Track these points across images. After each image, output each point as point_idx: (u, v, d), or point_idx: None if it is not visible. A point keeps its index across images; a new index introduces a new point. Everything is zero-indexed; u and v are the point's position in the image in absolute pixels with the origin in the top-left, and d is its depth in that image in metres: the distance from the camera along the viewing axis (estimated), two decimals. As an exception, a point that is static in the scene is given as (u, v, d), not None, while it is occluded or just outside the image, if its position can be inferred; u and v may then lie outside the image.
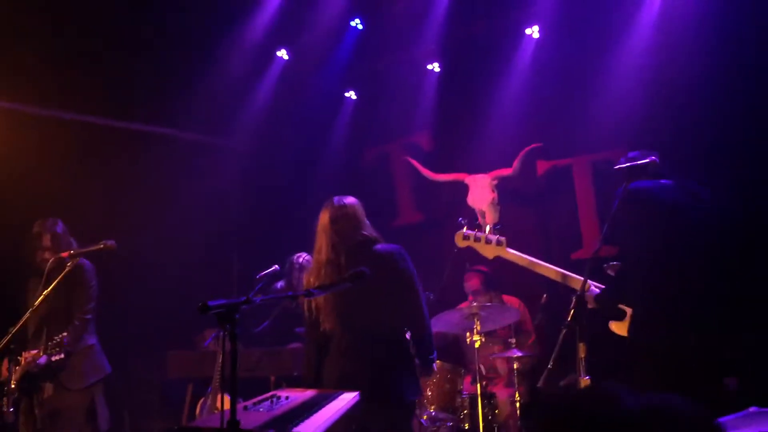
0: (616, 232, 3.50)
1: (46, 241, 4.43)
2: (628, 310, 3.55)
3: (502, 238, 3.85)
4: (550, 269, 3.71)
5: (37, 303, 3.95)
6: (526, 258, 3.79)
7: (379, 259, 3.62)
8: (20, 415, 4.21)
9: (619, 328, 3.58)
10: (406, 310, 3.67)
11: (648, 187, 3.46)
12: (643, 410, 0.99)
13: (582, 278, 3.44)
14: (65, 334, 4.08)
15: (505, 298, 5.77)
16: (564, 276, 3.66)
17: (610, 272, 3.66)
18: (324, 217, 3.82)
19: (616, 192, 3.45)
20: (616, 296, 3.54)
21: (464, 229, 3.90)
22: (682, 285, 3.33)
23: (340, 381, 3.58)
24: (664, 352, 3.28)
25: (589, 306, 3.48)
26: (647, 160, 3.56)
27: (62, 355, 4.06)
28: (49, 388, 4.25)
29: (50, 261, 4.18)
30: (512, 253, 3.82)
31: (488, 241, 3.86)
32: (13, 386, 4.19)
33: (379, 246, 3.74)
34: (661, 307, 3.33)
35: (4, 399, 3.79)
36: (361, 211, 3.87)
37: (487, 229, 3.88)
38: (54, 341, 4.03)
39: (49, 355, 4.05)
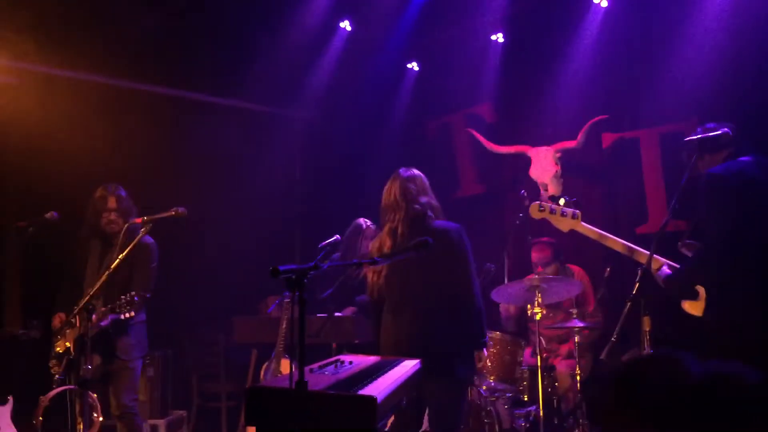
0: (696, 214, 3.45)
1: (112, 203, 4.53)
2: (701, 290, 3.49)
3: (578, 212, 3.88)
4: (618, 243, 3.71)
5: (113, 265, 4.09)
6: (598, 232, 3.82)
7: (437, 234, 3.66)
8: (70, 377, 4.36)
9: (693, 307, 3.52)
10: (457, 286, 3.71)
11: (725, 170, 3.36)
12: (709, 375, 0.99)
13: (647, 252, 3.40)
14: (133, 293, 4.14)
15: (570, 266, 5.73)
16: (632, 250, 3.63)
17: (685, 251, 3.59)
18: (390, 188, 3.89)
19: (687, 164, 3.38)
20: (691, 280, 3.48)
21: (539, 201, 3.94)
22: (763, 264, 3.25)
23: (394, 348, 3.67)
24: (746, 339, 3.21)
25: (661, 285, 3.45)
26: (719, 132, 3.47)
27: (132, 313, 4.14)
28: (96, 357, 4.36)
29: (125, 226, 4.31)
30: (586, 227, 3.84)
31: (564, 214, 3.88)
32: (67, 347, 4.35)
33: (439, 221, 3.78)
34: (745, 292, 3.25)
35: (83, 357, 3.95)
36: (425, 183, 3.91)
37: (562, 201, 3.89)
38: (123, 300, 4.11)
39: (118, 313, 4.13)
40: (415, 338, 3.66)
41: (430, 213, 3.80)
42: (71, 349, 4.34)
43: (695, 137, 3.55)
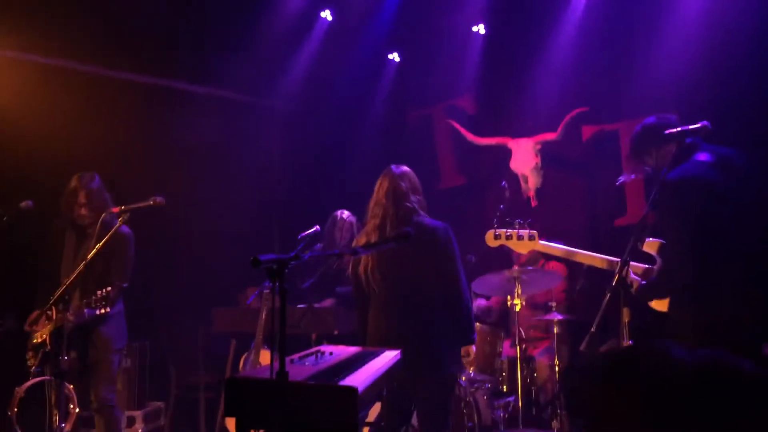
0: (659, 220, 3.47)
1: (82, 197, 4.47)
2: None
3: (534, 232, 3.90)
4: (585, 255, 3.72)
5: (89, 256, 4.03)
6: (560, 248, 3.82)
7: (426, 232, 3.68)
8: (46, 369, 4.31)
9: (658, 304, 3.56)
10: (445, 284, 3.72)
11: (682, 176, 3.37)
12: (703, 364, 0.98)
13: (615, 259, 3.43)
14: (109, 288, 4.10)
15: (550, 265, 5.74)
16: (601, 260, 3.65)
17: (647, 249, 3.61)
18: (381, 185, 3.89)
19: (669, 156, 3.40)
20: (660, 293, 3.51)
21: (494, 229, 3.95)
22: (724, 266, 3.29)
23: (381, 344, 3.66)
24: (703, 327, 3.26)
25: (633, 292, 3.48)
26: (699, 125, 3.48)
27: (108, 309, 4.10)
28: (72, 352, 4.31)
29: (102, 216, 4.26)
30: (545, 245, 3.86)
31: (520, 237, 3.90)
32: (43, 339, 4.29)
33: (428, 220, 3.79)
34: (701, 285, 3.29)
35: (60, 348, 3.91)
36: (416, 180, 3.92)
37: (516, 224, 3.91)
38: (98, 296, 4.07)
39: (94, 309, 4.09)
40: (402, 334, 3.65)
41: (419, 211, 3.81)
42: (47, 341, 4.28)
43: (674, 130, 3.56)
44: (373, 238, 3.78)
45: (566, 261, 5.69)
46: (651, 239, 3.58)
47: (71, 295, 4.28)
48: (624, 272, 3.21)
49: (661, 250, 3.54)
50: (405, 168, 3.96)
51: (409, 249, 3.51)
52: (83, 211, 4.48)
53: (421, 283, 3.73)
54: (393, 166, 3.94)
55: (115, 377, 4.54)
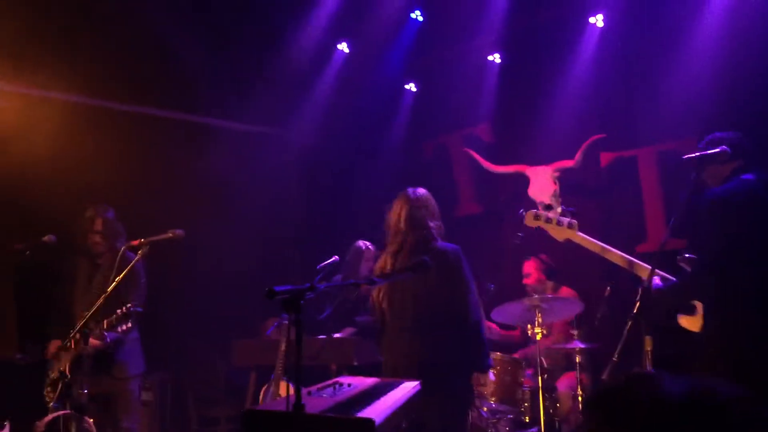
0: (696, 233, 3.42)
1: (98, 225, 4.54)
2: (699, 305, 3.46)
3: (574, 221, 3.79)
4: (618, 255, 3.65)
5: (109, 289, 4.06)
6: (596, 243, 3.73)
7: (436, 256, 3.65)
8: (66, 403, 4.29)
9: (689, 323, 3.49)
10: (455, 307, 3.69)
11: (727, 191, 3.36)
12: (689, 393, 0.96)
13: (648, 266, 3.38)
14: (129, 306, 4.10)
15: (564, 290, 5.69)
16: (631, 263, 3.59)
17: (684, 265, 3.56)
18: (397, 210, 3.87)
19: (687, 182, 3.37)
20: (683, 294, 3.45)
21: (535, 210, 3.85)
22: (758, 286, 3.23)
23: (393, 369, 3.65)
24: (740, 359, 3.19)
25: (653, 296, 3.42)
26: (718, 150, 3.47)
27: (129, 325, 4.08)
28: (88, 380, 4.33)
29: (122, 249, 4.29)
30: (583, 237, 3.75)
31: (560, 223, 3.80)
32: (62, 371, 4.29)
33: (440, 244, 3.77)
34: (743, 312, 3.23)
35: (77, 381, 3.91)
36: (431, 203, 3.90)
37: (559, 210, 3.82)
38: (118, 314, 4.07)
39: (115, 327, 4.08)
40: (414, 358, 3.63)
41: (435, 237, 3.79)
42: (67, 372, 4.29)
43: (694, 155, 3.54)
44: (389, 264, 3.77)
45: (578, 288, 5.66)
46: (688, 255, 3.53)
47: (92, 327, 4.29)
48: (647, 293, 3.17)
49: (692, 263, 3.49)
50: (421, 192, 3.93)
51: (419, 274, 3.50)
52: (98, 239, 4.54)
53: (432, 308, 3.70)
54: (410, 190, 3.92)
55: (137, 406, 4.54)
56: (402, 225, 3.83)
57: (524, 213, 5.35)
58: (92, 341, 4.13)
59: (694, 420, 0.93)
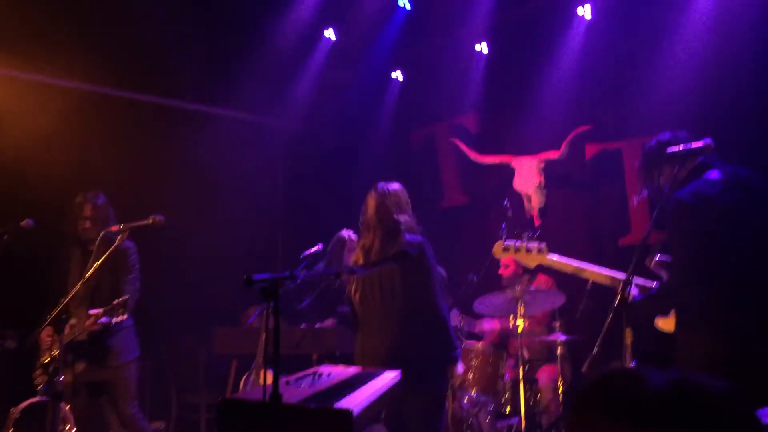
0: (667, 238, 3.41)
1: (87, 210, 4.52)
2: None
3: (543, 245, 3.71)
4: (594, 273, 3.59)
5: (87, 275, 4.02)
6: (568, 263, 3.66)
7: (406, 247, 3.68)
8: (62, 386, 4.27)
9: (666, 323, 3.49)
10: (419, 300, 3.72)
11: (691, 195, 3.31)
12: (670, 385, 0.95)
13: (623, 276, 3.37)
14: (126, 296, 4.14)
15: (541, 277, 5.69)
16: (612, 279, 3.55)
17: (657, 270, 3.55)
18: (368, 202, 3.90)
19: (672, 175, 3.36)
20: (658, 308, 3.45)
21: (503, 240, 3.79)
22: (735, 291, 3.23)
23: (362, 360, 3.67)
24: (708, 356, 3.19)
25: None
26: (702, 144, 3.45)
27: (125, 316, 4.13)
28: (80, 364, 4.33)
29: (100, 234, 4.25)
30: (553, 260, 3.70)
31: (529, 250, 3.74)
32: (55, 354, 4.27)
33: (407, 236, 3.78)
34: (710, 311, 3.23)
35: (53, 368, 3.88)
36: (402, 198, 3.91)
37: (524, 236, 3.78)
38: (115, 304, 4.10)
39: (111, 316, 4.11)
40: (381, 350, 3.68)
41: (403, 230, 3.79)
42: (57, 357, 4.27)
43: (678, 149, 3.52)
44: (360, 258, 3.79)
45: (555, 276, 5.65)
46: (659, 258, 3.51)
47: (77, 313, 4.27)
48: (627, 293, 3.15)
49: (668, 266, 3.48)
50: (393, 186, 3.95)
51: (400, 264, 3.51)
52: (87, 225, 4.52)
53: (395, 300, 3.73)
54: (381, 184, 3.94)
55: (134, 391, 4.55)
56: (368, 216, 3.87)
57: (509, 204, 5.36)
58: (87, 324, 4.13)
59: (679, 414, 0.92)
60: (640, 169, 3.64)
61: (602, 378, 1.03)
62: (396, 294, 3.72)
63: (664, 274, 3.50)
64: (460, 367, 3.73)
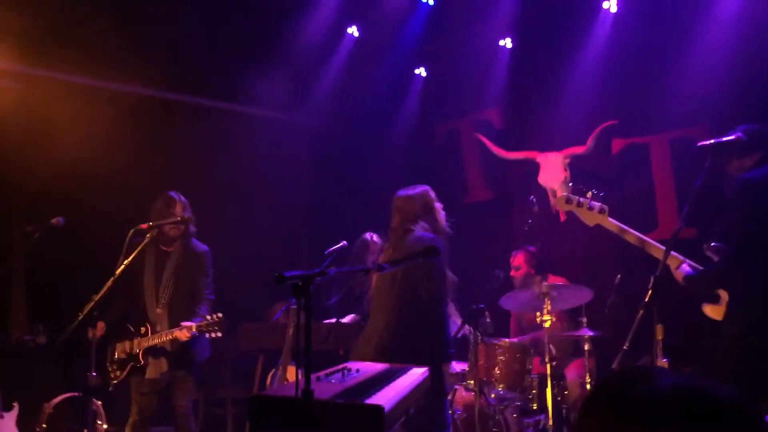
0: (727, 219, 3.38)
1: (178, 209, 4.53)
2: (724, 294, 3.42)
3: (605, 207, 3.72)
4: (655, 246, 3.57)
5: (118, 272, 4.06)
6: (630, 231, 3.66)
7: (410, 248, 3.76)
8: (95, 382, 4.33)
9: (713, 311, 3.46)
10: (417, 296, 3.78)
11: (761, 176, 3.31)
12: (677, 390, 0.94)
13: (682, 257, 3.35)
14: (220, 315, 4.25)
15: (552, 278, 5.65)
16: (666, 254, 3.52)
17: (711, 254, 3.51)
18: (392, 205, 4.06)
19: (701, 170, 3.33)
20: (714, 283, 3.42)
21: (567, 193, 3.81)
22: None
23: (361, 357, 3.75)
24: (760, 347, 3.16)
25: (680, 283, 3.39)
26: (733, 137, 3.42)
27: (219, 335, 4.26)
28: (162, 364, 4.41)
29: (130, 232, 4.28)
30: (613, 223, 3.69)
31: (591, 208, 3.74)
32: (135, 354, 4.37)
33: (416, 234, 3.81)
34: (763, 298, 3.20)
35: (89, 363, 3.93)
36: (418, 203, 3.96)
37: (590, 194, 3.76)
38: (212, 320, 4.22)
39: (206, 332, 4.23)
40: (377, 347, 3.77)
41: (411, 229, 3.85)
42: (140, 356, 4.38)
43: (708, 143, 3.49)
44: (381, 259, 3.96)
45: (567, 276, 5.62)
46: (715, 244, 3.47)
47: (156, 316, 4.40)
48: (659, 282, 3.13)
49: (719, 251, 3.44)
50: (409, 191, 4.05)
51: (429, 260, 3.60)
52: (175, 226, 4.52)
53: (394, 297, 3.82)
54: (400, 191, 4.07)
55: (196, 388, 4.64)
56: (391, 225, 4.02)
57: (534, 200, 5.33)
58: (178, 334, 4.26)
59: (684, 418, 0.91)
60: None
61: (611, 378, 1.03)
62: (394, 290, 3.82)
63: (717, 260, 3.47)
64: (455, 367, 3.78)
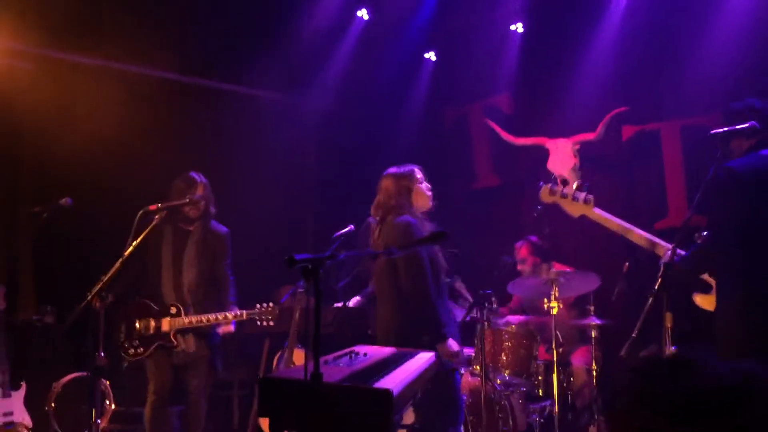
0: (710, 207, 3.35)
1: (199, 190, 4.51)
2: (713, 283, 3.41)
3: (590, 197, 3.67)
4: (638, 234, 3.55)
5: (127, 253, 4.04)
6: (613, 220, 3.61)
7: (392, 230, 3.79)
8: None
9: (705, 301, 3.45)
10: (399, 279, 3.78)
11: (741, 165, 3.28)
12: (739, 377, 0.91)
13: (669, 245, 3.32)
14: (272, 304, 4.37)
15: (557, 266, 5.62)
16: (652, 243, 3.51)
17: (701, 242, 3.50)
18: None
19: (713, 158, 3.30)
20: (693, 265, 3.39)
21: (550, 184, 3.76)
22: None
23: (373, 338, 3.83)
24: (745, 327, 3.16)
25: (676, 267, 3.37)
26: (746, 125, 3.38)
27: (272, 324, 4.37)
28: (190, 343, 4.43)
29: (139, 213, 4.26)
30: (599, 214, 3.64)
31: (575, 198, 3.69)
32: (164, 331, 4.37)
33: (399, 218, 3.79)
34: (754, 287, 3.18)
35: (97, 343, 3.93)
36: (400, 183, 3.90)
37: (574, 185, 3.72)
38: (263, 309, 4.33)
39: (261, 321, 4.37)
40: (380, 329, 3.88)
41: (393, 209, 3.89)
42: (170, 336, 4.35)
43: (720, 130, 3.46)
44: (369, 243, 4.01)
45: (573, 265, 5.59)
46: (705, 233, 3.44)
47: (184, 298, 4.39)
48: (669, 269, 3.12)
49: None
50: (398, 168, 4.04)
51: (381, 249, 3.73)
52: (195, 206, 4.49)
53: (380, 281, 3.90)
54: (388, 169, 4.07)
55: (213, 371, 4.64)
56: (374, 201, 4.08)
57: (543, 186, 5.29)
58: (228, 317, 4.37)
59: (743, 405, 0.89)
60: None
61: (659, 364, 0.99)
62: (381, 274, 3.88)
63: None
64: (453, 345, 3.69)
